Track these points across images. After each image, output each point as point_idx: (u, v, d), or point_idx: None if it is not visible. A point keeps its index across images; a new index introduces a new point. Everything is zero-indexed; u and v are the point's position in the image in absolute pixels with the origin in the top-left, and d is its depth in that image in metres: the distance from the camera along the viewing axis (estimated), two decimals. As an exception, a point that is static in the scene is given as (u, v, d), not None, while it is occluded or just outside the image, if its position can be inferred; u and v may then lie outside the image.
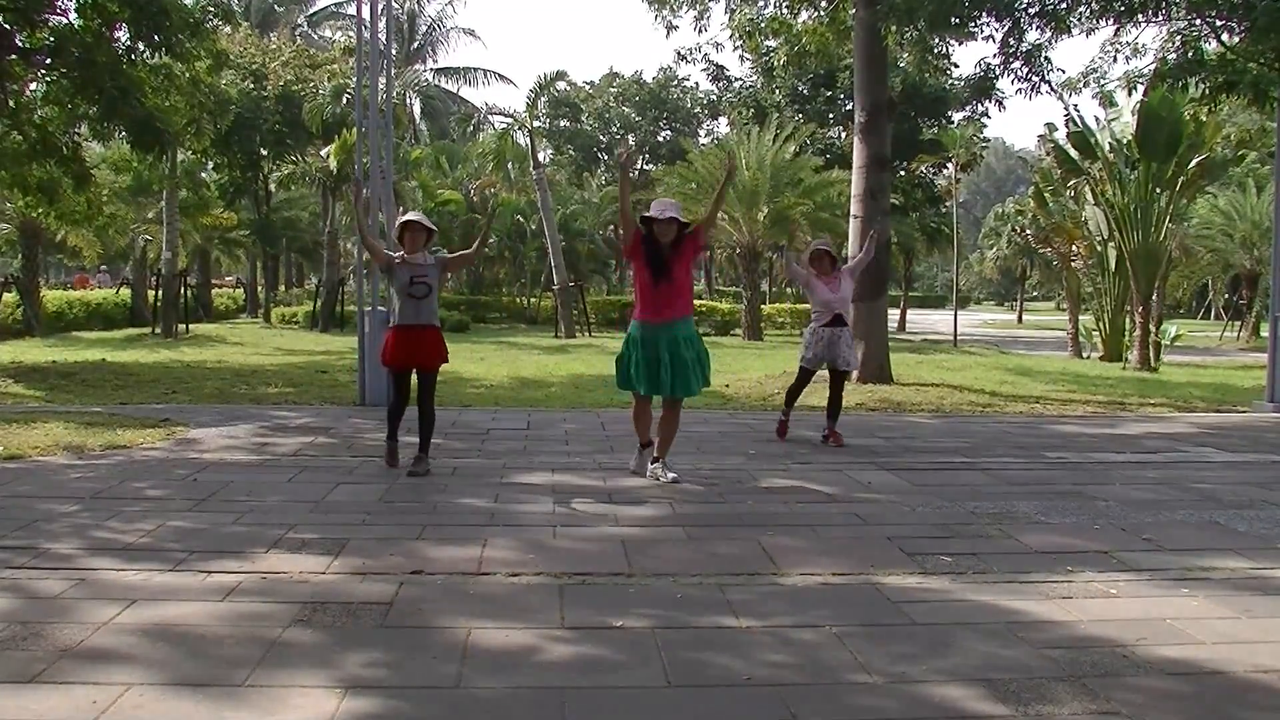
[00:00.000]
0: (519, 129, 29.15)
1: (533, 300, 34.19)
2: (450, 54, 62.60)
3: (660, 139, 50.10)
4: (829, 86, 31.30)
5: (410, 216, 6.54)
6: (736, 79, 36.09)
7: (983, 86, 13.26)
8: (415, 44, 47.73)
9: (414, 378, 6.60)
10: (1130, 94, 18.88)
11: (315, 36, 46.26)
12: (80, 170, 13.19)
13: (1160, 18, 12.33)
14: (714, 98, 44.07)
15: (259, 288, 36.57)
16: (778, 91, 31.90)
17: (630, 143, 49.20)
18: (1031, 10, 12.01)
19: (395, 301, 6.43)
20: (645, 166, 49.04)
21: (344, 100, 23.58)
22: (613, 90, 50.51)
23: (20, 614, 3.68)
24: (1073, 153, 20.86)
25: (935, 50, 13.93)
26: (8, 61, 11.87)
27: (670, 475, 6.20)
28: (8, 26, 11.76)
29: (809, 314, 8.18)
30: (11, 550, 4.52)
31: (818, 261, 7.83)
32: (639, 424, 6.41)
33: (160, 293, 23.46)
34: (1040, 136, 26.51)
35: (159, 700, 2.97)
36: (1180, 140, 18.67)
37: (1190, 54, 12.54)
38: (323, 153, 26.32)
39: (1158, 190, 19.48)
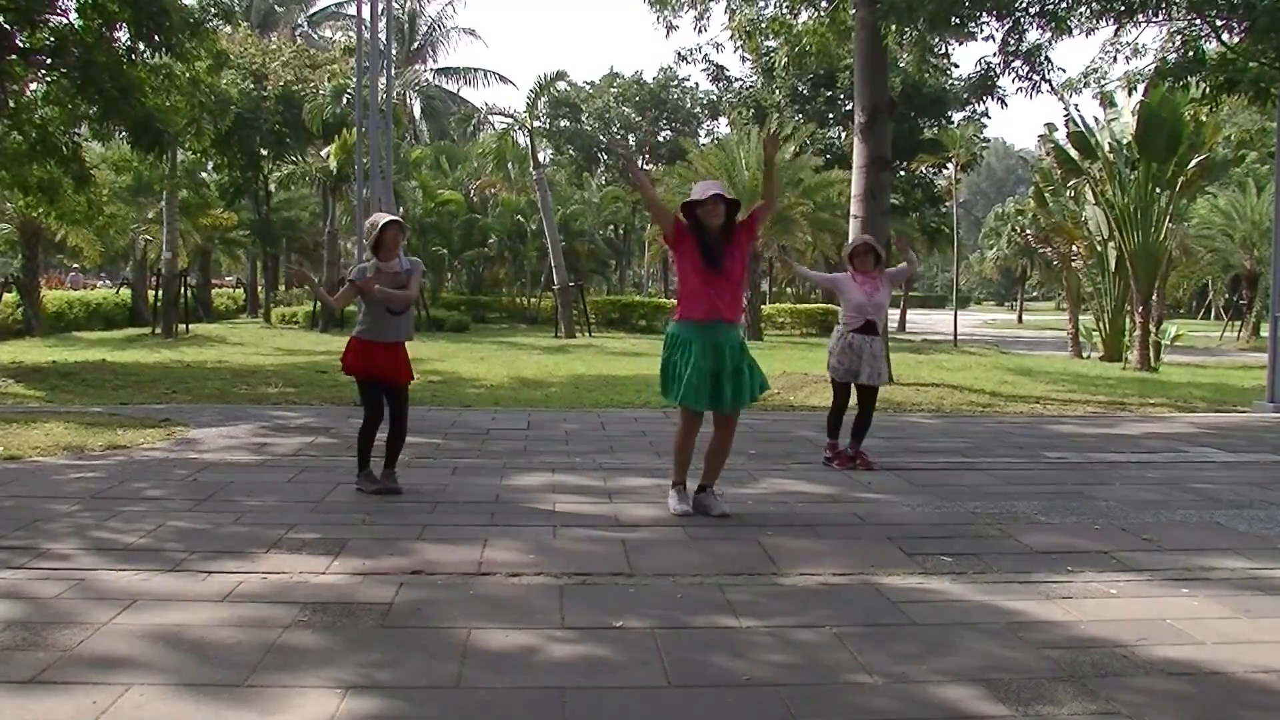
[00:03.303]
0: (519, 129, 29.18)
1: (533, 300, 34.20)
2: (450, 54, 62.63)
3: (660, 139, 50.12)
4: (829, 86, 31.29)
5: (387, 217, 5.94)
6: (736, 79, 36.11)
7: (983, 86, 13.26)
8: (415, 44, 47.73)
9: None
10: (1130, 94, 18.88)
11: (315, 36, 46.24)
12: (80, 170, 13.20)
13: (1160, 18, 12.34)
14: (714, 98, 44.11)
15: (259, 288, 36.58)
16: (778, 92, 31.89)
17: (629, 142, 49.25)
18: (1031, 10, 12.02)
19: (365, 311, 5.81)
20: (645, 166, 49.08)
21: (344, 100, 23.61)
22: (613, 90, 50.51)
23: (20, 615, 3.68)
24: (1073, 153, 20.87)
25: (935, 50, 13.94)
26: (8, 61, 11.87)
27: (721, 508, 5.39)
28: (8, 26, 11.77)
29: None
30: (11, 550, 4.51)
31: (861, 258, 6.87)
32: (682, 454, 5.43)
33: (160, 293, 23.48)
34: (1040, 136, 26.55)
35: (159, 701, 2.97)
36: (1180, 140, 18.68)
37: (1190, 53, 12.54)
38: (323, 153, 26.37)
39: (1158, 190, 19.48)
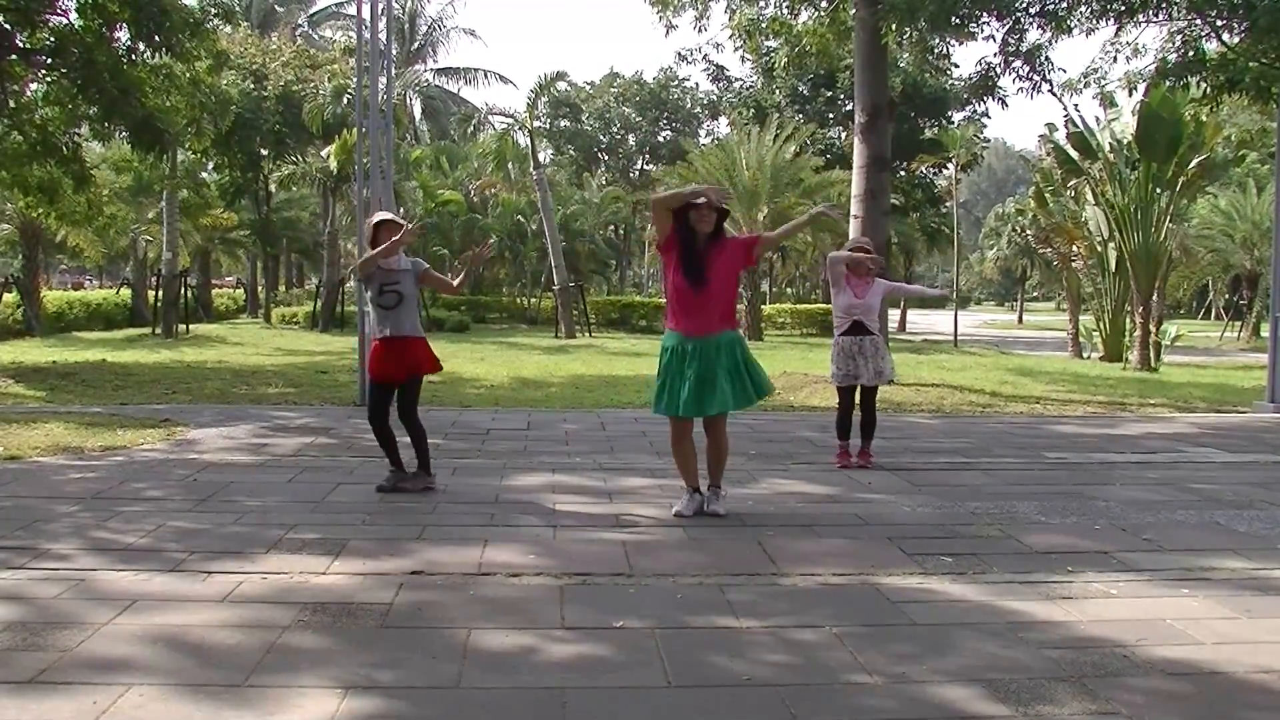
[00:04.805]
0: (519, 129, 29.17)
1: (533, 300, 34.20)
2: (450, 54, 62.79)
3: (660, 139, 50.15)
4: (829, 86, 31.32)
5: (385, 216, 6.04)
6: (737, 79, 36.15)
7: (983, 86, 13.26)
8: (415, 44, 47.73)
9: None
10: (1130, 94, 18.88)
11: (315, 36, 46.24)
12: (80, 170, 13.19)
13: (1160, 18, 12.33)
14: (714, 98, 44.12)
15: (259, 288, 36.58)
16: (778, 92, 31.92)
17: (630, 142, 49.22)
18: (1032, 10, 12.02)
19: (370, 312, 5.92)
20: (645, 166, 49.14)
21: (344, 100, 23.59)
22: (613, 90, 50.55)
23: (20, 615, 3.68)
24: (1073, 153, 20.86)
25: (935, 50, 13.94)
26: (8, 61, 11.87)
27: (715, 506, 5.42)
28: (8, 26, 11.77)
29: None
30: (11, 551, 4.51)
31: (858, 261, 6.98)
32: (683, 461, 5.43)
33: (160, 293, 23.48)
34: (1040, 136, 26.56)
35: (159, 701, 2.97)
36: (1180, 140, 18.66)
37: (1190, 53, 12.53)
38: (323, 153, 26.33)
39: (1158, 190, 19.48)
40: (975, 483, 6.47)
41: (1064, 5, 11.92)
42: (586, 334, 26.20)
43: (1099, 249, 21.46)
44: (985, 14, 11.86)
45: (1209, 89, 12.18)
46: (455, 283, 6.35)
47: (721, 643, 3.51)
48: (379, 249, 5.77)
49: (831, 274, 7.25)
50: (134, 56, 12.24)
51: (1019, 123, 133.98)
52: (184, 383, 12.10)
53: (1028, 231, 32.14)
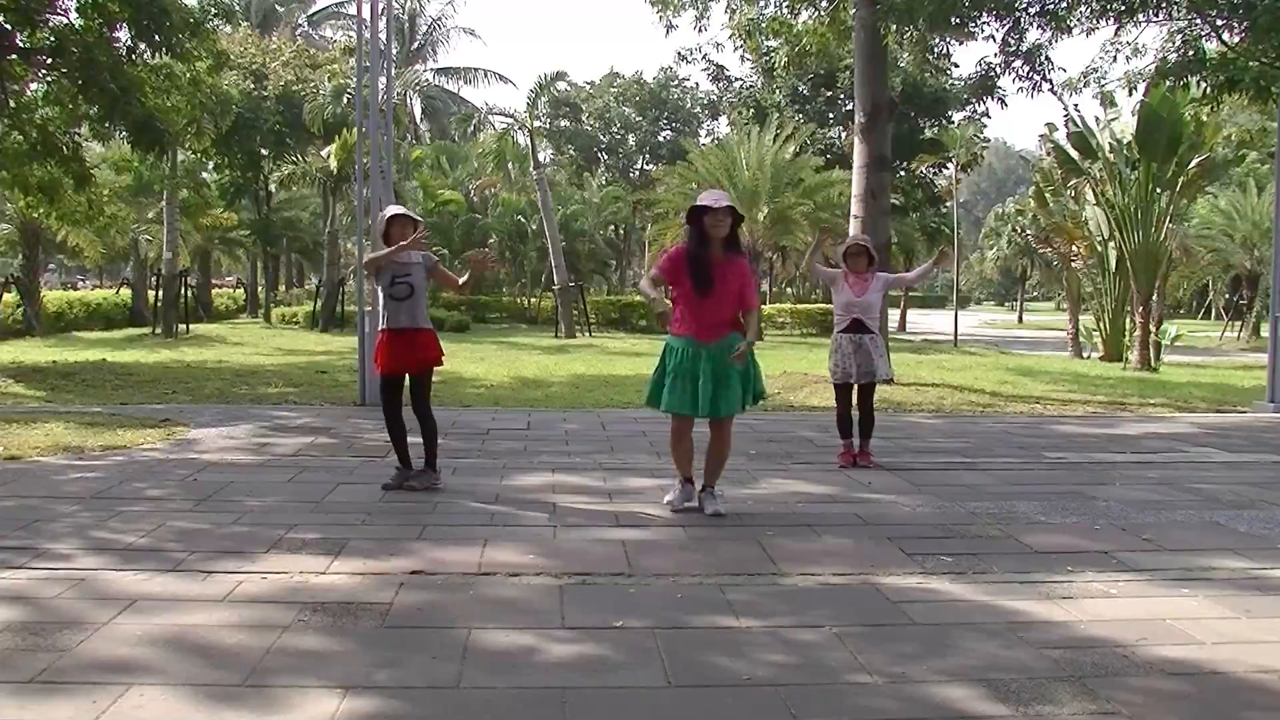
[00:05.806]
0: (519, 129, 29.17)
1: (533, 300, 34.19)
2: (450, 54, 62.72)
3: (660, 139, 50.14)
4: (829, 86, 31.31)
5: (396, 210, 6.10)
6: (737, 79, 36.12)
7: (983, 86, 13.27)
8: (415, 44, 47.74)
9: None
10: (1130, 94, 18.87)
11: (316, 36, 46.26)
12: (81, 170, 13.19)
13: (1160, 17, 12.35)
14: (714, 98, 44.15)
15: (259, 288, 36.59)
16: (778, 91, 31.90)
17: (630, 142, 49.07)
18: (1031, 10, 12.03)
19: (382, 303, 6.06)
20: (645, 166, 49.14)
21: (344, 100, 23.60)
22: (613, 90, 50.56)
23: (20, 615, 3.68)
24: (1073, 153, 20.87)
25: (935, 50, 13.95)
26: (8, 61, 11.87)
27: (715, 507, 5.42)
28: (8, 26, 11.77)
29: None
30: (11, 550, 4.51)
31: (854, 258, 6.96)
32: (678, 454, 5.51)
33: (160, 293, 23.49)
34: (1040, 136, 26.56)
35: (159, 701, 2.97)
36: (1180, 140, 18.67)
37: (1190, 53, 12.54)
38: (323, 153, 26.34)
39: (1158, 190, 19.48)
40: (975, 483, 6.47)
41: (1064, 5, 11.94)
42: (586, 334, 26.20)
43: (1099, 249, 21.47)
44: (985, 14, 11.87)
45: (1209, 89, 12.19)
46: (460, 282, 6.31)
47: (721, 643, 3.51)
48: (390, 249, 5.86)
49: (825, 277, 7.30)
50: (134, 56, 12.24)
51: (1019, 123, 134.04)
52: (184, 383, 12.11)
53: (1028, 231, 32.21)
